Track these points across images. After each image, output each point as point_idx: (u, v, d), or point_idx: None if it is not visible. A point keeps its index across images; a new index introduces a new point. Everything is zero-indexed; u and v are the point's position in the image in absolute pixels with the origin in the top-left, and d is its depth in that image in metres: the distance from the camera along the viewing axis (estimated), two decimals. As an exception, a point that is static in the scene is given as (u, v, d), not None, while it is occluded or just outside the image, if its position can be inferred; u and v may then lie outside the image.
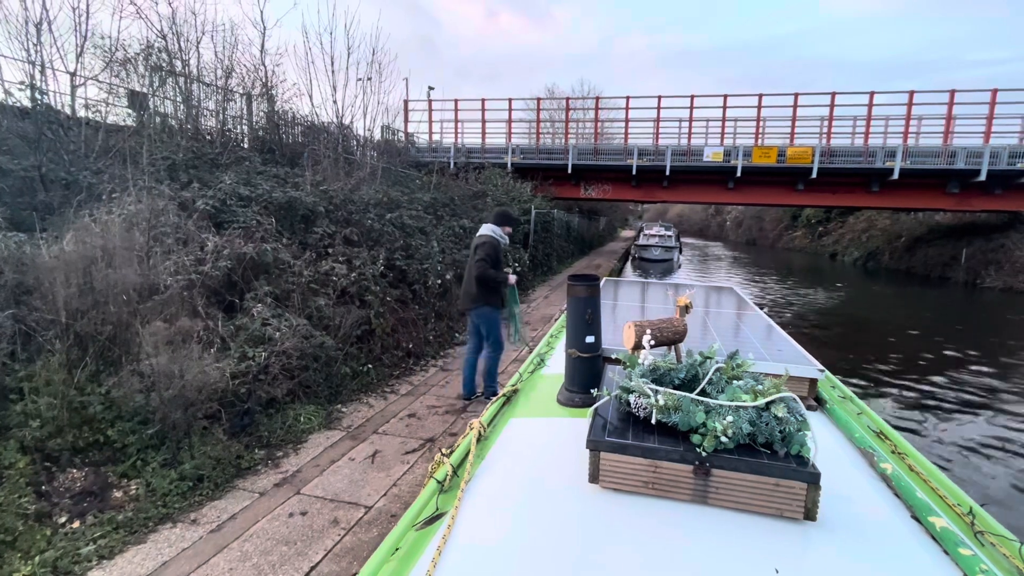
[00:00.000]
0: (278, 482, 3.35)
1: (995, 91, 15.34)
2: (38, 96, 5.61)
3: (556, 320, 3.49)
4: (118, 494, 2.99)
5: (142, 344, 3.51)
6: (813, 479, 1.01)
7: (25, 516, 2.62)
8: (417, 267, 7.01)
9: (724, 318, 2.49)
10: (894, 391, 7.25)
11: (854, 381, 7.37)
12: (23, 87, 5.59)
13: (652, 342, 1.44)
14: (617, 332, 2.05)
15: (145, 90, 7.32)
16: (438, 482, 1.22)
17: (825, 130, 16.49)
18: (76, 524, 2.72)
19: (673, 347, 1.59)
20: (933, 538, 1.02)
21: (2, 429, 2.93)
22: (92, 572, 2.45)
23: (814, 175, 15.59)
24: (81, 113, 6.39)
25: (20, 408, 3.03)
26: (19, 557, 2.44)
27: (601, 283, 2.05)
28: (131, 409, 3.30)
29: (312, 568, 2.55)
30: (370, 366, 5.28)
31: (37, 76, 5.57)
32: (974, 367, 8.51)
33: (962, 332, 11.27)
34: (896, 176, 15.15)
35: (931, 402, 6.89)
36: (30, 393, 3.11)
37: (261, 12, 8.21)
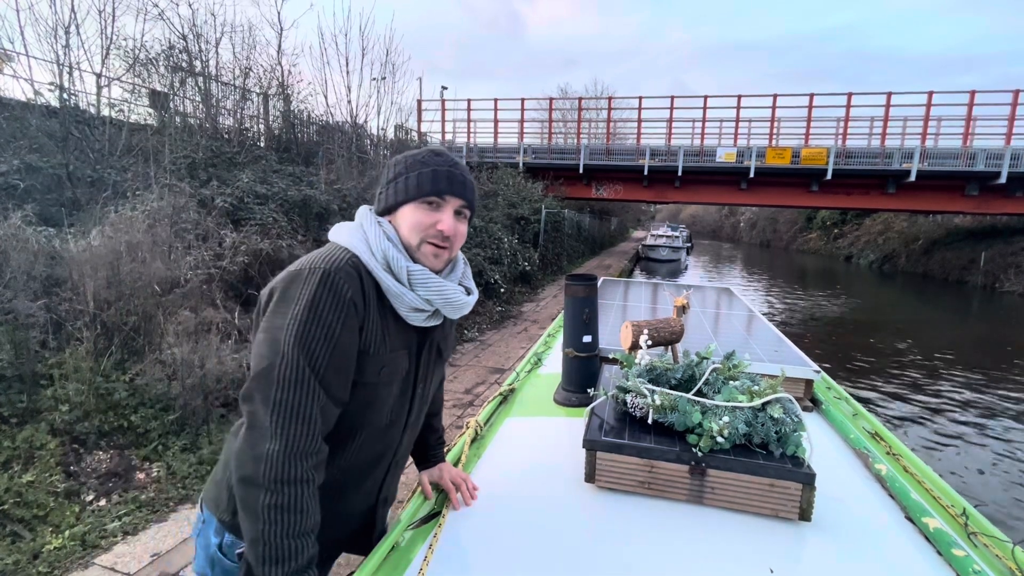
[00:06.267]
0: (291, 469, 3.49)
1: (1016, 92, 15.09)
2: (66, 97, 5.84)
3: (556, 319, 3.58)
4: (141, 476, 3.15)
5: (164, 334, 3.68)
6: (808, 480, 1.01)
7: (55, 494, 2.79)
8: (428, 265, 7.13)
9: (721, 318, 2.48)
10: (898, 396, 7.21)
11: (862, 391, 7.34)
12: (52, 88, 5.83)
13: (649, 342, 1.42)
14: (614, 332, 2.02)
15: (166, 90, 7.55)
16: None
17: (841, 131, 16.34)
18: (102, 502, 2.88)
19: (670, 347, 1.58)
20: (927, 539, 1.02)
21: (34, 412, 3.10)
22: (118, 546, 2.60)
23: (829, 176, 15.46)
24: (105, 112, 6.63)
25: (50, 393, 3.21)
26: (50, 531, 2.60)
27: (599, 283, 2.06)
28: (153, 396, 3.47)
29: (323, 549, 2.67)
30: (381, 360, 5.41)
31: (65, 77, 5.80)
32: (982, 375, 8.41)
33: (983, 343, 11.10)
34: (913, 178, 14.97)
35: (940, 411, 6.84)
36: (60, 379, 3.29)
37: (278, 13, 8.40)
